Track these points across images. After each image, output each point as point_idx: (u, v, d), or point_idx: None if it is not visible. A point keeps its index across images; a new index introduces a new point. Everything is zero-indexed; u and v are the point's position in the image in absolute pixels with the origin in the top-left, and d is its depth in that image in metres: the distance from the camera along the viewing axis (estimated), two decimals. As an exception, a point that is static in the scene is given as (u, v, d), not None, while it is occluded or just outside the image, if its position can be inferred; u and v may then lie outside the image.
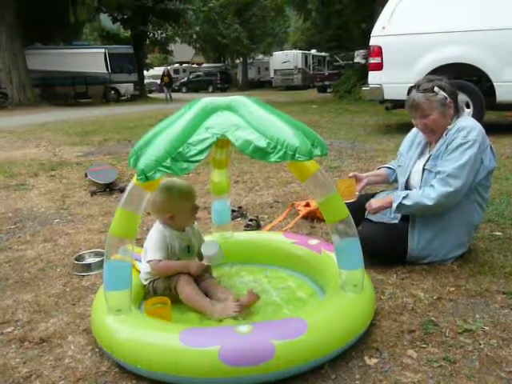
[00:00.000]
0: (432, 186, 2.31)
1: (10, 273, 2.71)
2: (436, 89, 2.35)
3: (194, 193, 2.21)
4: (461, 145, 2.29)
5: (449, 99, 2.36)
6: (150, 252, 2.10)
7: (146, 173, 1.55)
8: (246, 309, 1.98)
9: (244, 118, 1.67)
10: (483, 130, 2.36)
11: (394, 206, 2.36)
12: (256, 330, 1.61)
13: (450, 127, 2.38)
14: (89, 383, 1.66)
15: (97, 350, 1.85)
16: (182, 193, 2.12)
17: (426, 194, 2.29)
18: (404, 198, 2.33)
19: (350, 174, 2.65)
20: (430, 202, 2.28)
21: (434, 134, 2.44)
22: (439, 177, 2.30)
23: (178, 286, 2.06)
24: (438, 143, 2.41)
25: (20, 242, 3.26)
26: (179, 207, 2.12)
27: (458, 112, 2.43)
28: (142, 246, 2.27)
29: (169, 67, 42.18)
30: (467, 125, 2.34)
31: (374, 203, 2.48)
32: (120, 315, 1.77)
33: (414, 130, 2.64)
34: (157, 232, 2.14)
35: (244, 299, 1.99)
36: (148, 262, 2.11)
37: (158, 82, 25.08)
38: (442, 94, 2.35)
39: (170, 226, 2.17)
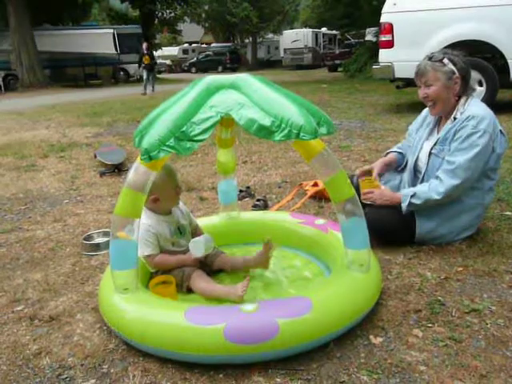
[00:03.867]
0: (439, 178, 2.26)
1: (21, 252, 2.75)
2: (445, 60, 2.30)
3: (174, 173, 2.18)
4: (471, 134, 2.23)
5: (457, 74, 2.30)
6: (140, 248, 2.01)
7: (150, 152, 1.55)
8: (265, 259, 2.14)
9: (248, 96, 1.64)
10: (494, 118, 2.30)
11: (404, 206, 2.32)
12: (261, 308, 1.62)
13: (460, 109, 2.32)
14: (97, 360, 1.69)
15: (105, 327, 1.88)
16: (162, 173, 2.03)
17: (434, 189, 2.26)
18: (412, 196, 2.30)
19: (361, 171, 2.57)
20: (438, 196, 2.26)
21: (435, 106, 2.38)
22: (447, 168, 2.25)
23: (191, 283, 2.04)
24: (446, 126, 2.36)
25: (30, 222, 3.30)
26: (162, 188, 2.06)
27: (467, 91, 2.36)
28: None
29: (176, 47, 41.75)
30: (478, 113, 2.26)
31: (378, 200, 2.41)
32: (127, 294, 1.79)
33: (426, 109, 2.59)
34: (142, 224, 1.99)
35: (261, 250, 2.15)
36: (142, 257, 2.08)
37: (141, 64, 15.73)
38: (451, 67, 2.29)
39: (155, 210, 2.13)
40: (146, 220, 2.07)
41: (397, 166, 2.73)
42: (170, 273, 2.09)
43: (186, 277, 2.06)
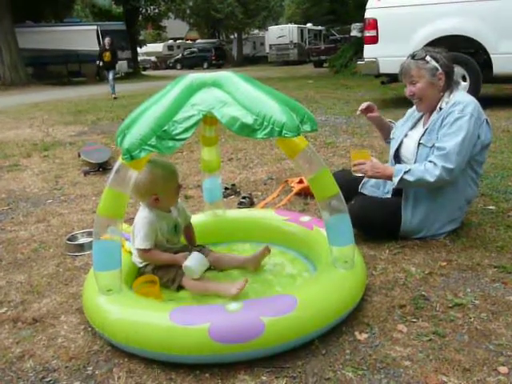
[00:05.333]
0: (433, 162, 2.26)
1: (4, 254, 2.71)
2: (428, 58, 2.34)
3: (176, 172, 2.18)
4: (457, 119, 2.26)
5: (440, 71, 2.33)
6: (137, 240, 2.07)
7: (131, 152, 1.54)
8: (259, 262, 2.21)
9: (231, 94, 1.63)
10: (479, 105, 2.34)
11: (396, 180, 2.30)
12: (246, 307, 1.61)
13: (445, 100, 2.35)
14: (81, 362, 1.67)
15: (89, 329, 1.86)
16: (165, 174, 2.08)
17: (429, 171, 2.25)
18: (406, 172, 2.29)
19: (365, 104, 2.67)
20: (432, 179, 2.25)
21: (421, 103, 2.43)
22: (440, 153, 2.26)
23: (183, 281, 2.04)
24: (433, 117, 2.39)
25: (13, 223, 3.25)
26: (164, 188, 2.08)
27: (451, 86, 2.39)
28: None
29: (161, 44, 41.34)
30: (463, 100, 2.31)
31: (369, 171, 2.37)
32: (111, 295, 1.77)
33: (412, 108, 2.62)
34: (143, 218, 2.09)
35: (257, 253, 2.20)
36: (136, 249, 2.11)
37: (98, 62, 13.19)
38: (434, 64, 2.33)
39: (156, 207, 2.13)
40: (147, 214, 2.10)
41: (386, 137, 2.84)
42: (164, 269, 2.09)
43: (180, 275, 2.05)
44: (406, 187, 2.39)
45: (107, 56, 12.88)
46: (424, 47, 2.50)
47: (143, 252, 2.09)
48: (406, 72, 2.41)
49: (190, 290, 2.03)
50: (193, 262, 2.00)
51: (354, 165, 2.40)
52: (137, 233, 2.08)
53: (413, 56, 2.40)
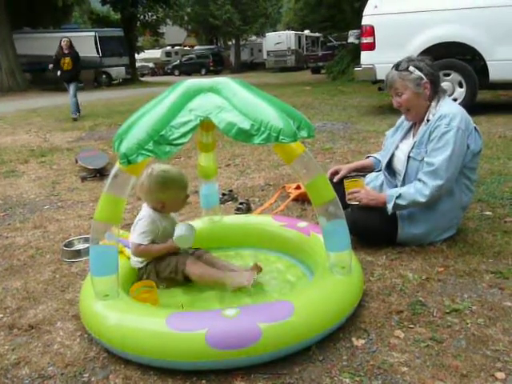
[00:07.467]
0: (422, 181, 2.28)
1: (0, 260, 2.69)
2: (411, 68, 2.34)
3: (187, 183, 2.23)
4: (444, 133, 2.26)
5: (425, 80, 2.33)
6: (136, 235, 2.11)
7: (128, 156, 1.54)
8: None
9: (228, 99, 1.64)
10: (466, 115, 2.34)
11: (390, 207, 2.32)
12: (242, 313, 1.61)
13: (432, 111, 2.35)
14: (77, 369, 1.66)
15: (86, 335, 1.85)
16: (177, 185, 2.15)
17: (420, 192, 2.27)
18: (397, 197, 2.31)
19: (330, 171, 2.75)
20: (423, 199, 2.27)
21: (409, 113, 2.44)
22: (428, 170, 2.27)
23: (187, 269, 2.07)
24: (421, 130, 2.39)
25: (9, 229, 3.24)
26: (173, 198, 2.15)
27: (437, 94, 2.39)
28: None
29: (159, 50, 41.45)
30: (449, 111, 2.30)
31: (364, 199, 2.40)
32: (107, 300, 1.77)
33: (402, 117, 2.63)
34: (147, 216, 2.14)
35: (249, 270, 2.13)
36: (131, 242, 2.13)
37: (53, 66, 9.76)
38: (418, 73, 2.33)
39: (159, 211, 2.18)
40: (151, 213, 2.15)
41: (372, 170, 2.82)
42: (164, 262, 2.11)
43: (181, 264, 2.07)
44: (402, 210, 2.39)
45: (67, 63, 9.48)
46: (407, 57, 2.48)
47: (137, 247, 2.10)
48: (390, 84, 2.41)
49: (195, 279, 2.06)
50: (179, 231, 2.05)
51: (349, 193, 2.42)
52: (138, 228, 2.12)
53: (396, 66, 2.39)
